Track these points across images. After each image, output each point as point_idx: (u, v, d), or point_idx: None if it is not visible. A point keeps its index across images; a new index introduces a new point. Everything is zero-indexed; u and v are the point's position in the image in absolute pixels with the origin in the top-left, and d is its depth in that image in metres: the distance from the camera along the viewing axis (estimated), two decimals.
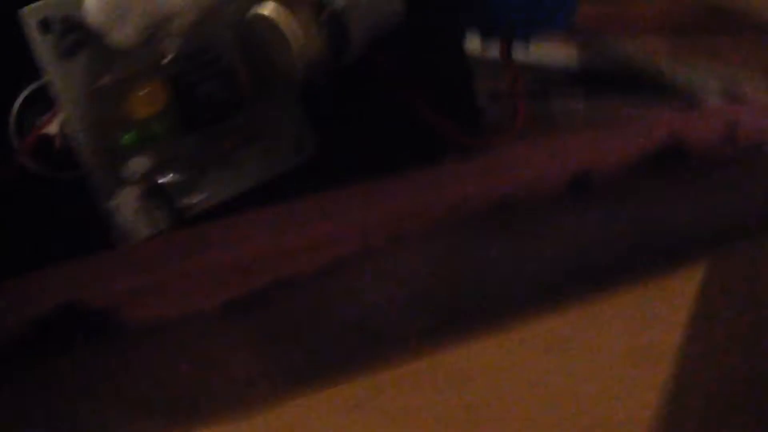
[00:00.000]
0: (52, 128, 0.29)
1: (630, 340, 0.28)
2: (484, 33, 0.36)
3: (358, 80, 0.33)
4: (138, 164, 0.30)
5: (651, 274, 0.30)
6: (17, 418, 0.26)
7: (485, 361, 0.28)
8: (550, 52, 0.42)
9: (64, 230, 0.30)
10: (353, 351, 0.28)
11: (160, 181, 0.30)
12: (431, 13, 0.34)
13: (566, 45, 0.42)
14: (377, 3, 0.32)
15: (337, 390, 0.27)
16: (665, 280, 0.30)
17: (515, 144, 0.34)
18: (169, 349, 0.28)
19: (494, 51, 0.35)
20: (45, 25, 0.29)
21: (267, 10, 0.30)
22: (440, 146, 0.34)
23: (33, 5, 0.29)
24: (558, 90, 0.40)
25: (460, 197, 0.32)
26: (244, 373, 0.27)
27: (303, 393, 0.27)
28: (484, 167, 0.34)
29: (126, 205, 0.30)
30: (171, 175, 0.30)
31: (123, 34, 0.30)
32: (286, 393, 0.27)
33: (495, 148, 0.34)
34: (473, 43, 0.36)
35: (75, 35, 0.29)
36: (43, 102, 0.29)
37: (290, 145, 0.33)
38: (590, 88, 0.41)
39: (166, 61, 0.30)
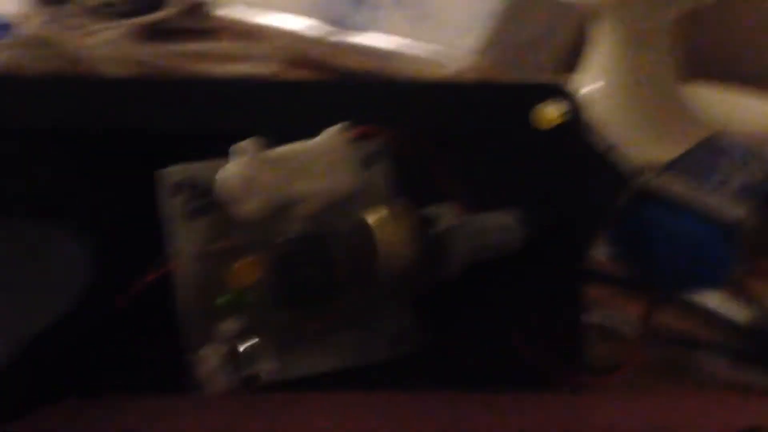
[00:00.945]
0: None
1: None
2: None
3: (464, 289, 0.35)
4: (227, 326, 0.33)
5: None
6: None
7: None
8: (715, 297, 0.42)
9: (149, 366, 0.33)
10: None
11: (243, 346, 0.33)
12: (556, 245, 0.35)
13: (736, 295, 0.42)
14: (491, 229, 0.34)
15: None
16: None
17: (612, 391, 0.35)
18: None
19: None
20: (178, 188, 0.33)
21: (371, 217, 0.33)
22: (532, 372, 0.35)
23: (171, 168, 0.33)
24: (707, 342, 0.40)
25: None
26: None
27: None
28: (566, 406, 0.34)
29: (207, 360, 0.33)
30: (256, 342, 0.33)
31: (247, 209, 0.33)
32: None
33: (589, 388, 0.35)
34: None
35: (201, 201, 0.33)
36: None
37: (386, 339, 0.35)
38: (748, 351, 0.40)
39: (279, 240, 0.33)
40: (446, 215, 0.33)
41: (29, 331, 0.31)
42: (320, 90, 0.36)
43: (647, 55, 0.50)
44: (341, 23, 0.69)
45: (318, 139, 0.34)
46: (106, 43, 0.66)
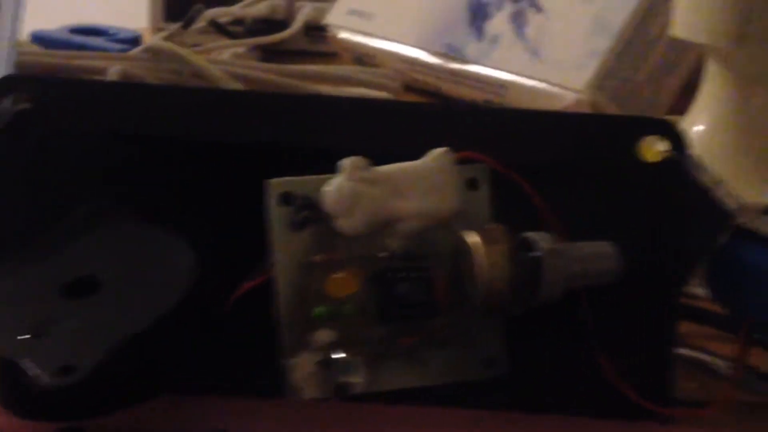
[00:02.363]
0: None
1: None
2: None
3: (559, 315, 0.35)
4: (321, 336, 0.34)
5: None
6: None
7: None
8: None
9: (244, 369, 0.35)
10: None
11: (336, 356, 0.34)
12: (652, 278, 0.35)
13: None
14: (588, 258, 0.34)
15: None
16: None
17: (702, 427, 0.35)
18: None
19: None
20: (286, 198, 0.34)
21: (470, 239, 0.33)
22: (622, 401, 0.35)
23: (280, 179, 0.34)
24: None
25: None
26: None
27: None
28: None
29: (300, 368, 0.34)
30: (349, 352, 0.34)
31: (351, 224, 0.34)
32: None
33: (678, 422, 0.35)
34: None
35: (308, 213, 0.34)
36: None
37: (478, 360, 0.35)
38: None
39: (381, 255, 0.34)
40: (544, 241, 0.34)
41: (134, 328, 0.32)
42: (427, 114, 0.37)
43: (758, 98, 0.50)
44: (458, 52, 0.70)
45: (422, 160, 0.34)
46: (227, 60, 0.68)
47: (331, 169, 0.34)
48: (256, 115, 0.36)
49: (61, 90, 0.37)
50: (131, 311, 0.33)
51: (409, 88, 0.73)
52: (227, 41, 0.79)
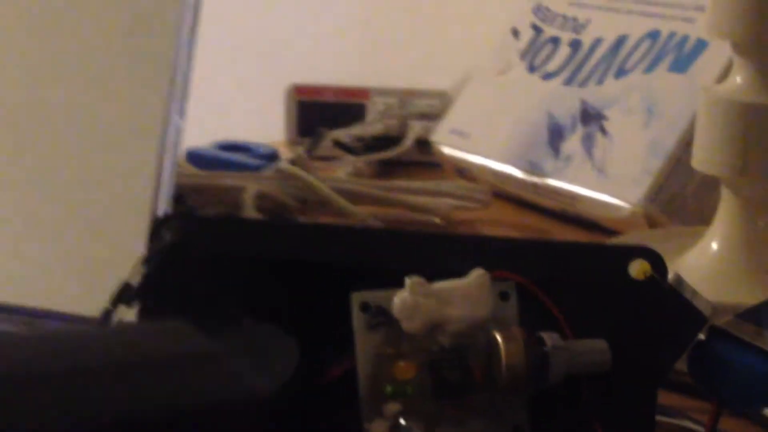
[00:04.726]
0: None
1: None
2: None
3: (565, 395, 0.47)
4: (391, 407, 0.46)
5: None
6: None
7: None
8: None
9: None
10: None
11: (402, 421, 0.46)
12: (635, 366, 0.47)
13: None
14: (585, 353, 0.46)
15: None
16: None
17: None
18: None
19: None
20: (365, 307, 0.47)
21: (500, 336, 0.46)
22: None
23: (361, 292, 0.47)
24: None
25: None
26: None
27: None
28: None
29: (376, 431, 0.46)
30: (411, 420, 0.46)
31: (412, 326, 0.47)
32: None
33: None
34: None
35: (381, 317, 0.47)
36: None
37: (508, 427, 0.48)
38: None
39: (434, 349, 0.47)
40: (552, 339, 0.46)
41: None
42: (469, 243, 0.50)
43: (761, 220, 0.61)
44: (539, 168, 0.83)
45: (466, 278, 0.47)
46: (342, 178, 0.82)
47: (400, 284, 0.47)
48: (344, 242, 0.50)
49: (202, 225, 0.51)
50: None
51: (497, 195, 0.85)
52: (350, 157, 0.93)
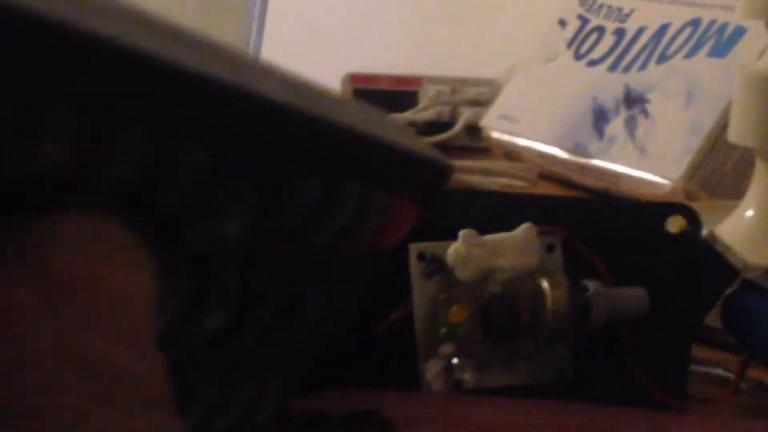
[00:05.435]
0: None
1: None
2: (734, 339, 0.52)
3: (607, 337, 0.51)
4: (445, 348, 0.51)
5: None
6: None
7: None
8: None
9: (396, 371, 0.52)
10: None
11: (454, 361, 0.50)
12: (671, 313, 0.51)
13: None
14: (625, 299, 0.50)
15: None
16: None
17: (708, 418, 0.50)
18: None
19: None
20: (421, 256, 0.51)
21: (545, 284, 0.50)
22: (650, 398, 0.51)
23: (417, 243, 0.51)
24: None
25: None
26: None
27: None
28: (673, 422, 0.50)
29: (431, 370, 0.51)
30: (463, 360, 0.51)
31: (464, 274, 0.51)
32: None
33: (690, 412, 0.50)
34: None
35: (436, 266, 0.51)
36: None
37: (553, 369, 0.52)
38: None
39: (486, 295, 0.51)
40: (594, 286, 0.50)
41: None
42: (521, 200, 0.54)
43: None
44: (583, 149, 0.87)
45: (515, 231, 0.51)
46: None
47: (454, 237, 0.51)
48: None
49: None
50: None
51: (544, 176, 0.90)
52: None
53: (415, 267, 0.51)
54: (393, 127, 0.40)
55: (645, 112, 0.83)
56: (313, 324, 0.39)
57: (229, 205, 0.28)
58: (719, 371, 0.54)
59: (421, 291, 0.51)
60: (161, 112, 0.24)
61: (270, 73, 0.29)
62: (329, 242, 0.35)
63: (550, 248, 0.52)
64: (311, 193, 0.32)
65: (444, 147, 1.01)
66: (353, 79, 1.08)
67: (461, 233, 0.51)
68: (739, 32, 0.82)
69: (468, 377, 0.51)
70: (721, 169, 0.78)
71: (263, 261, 0.32)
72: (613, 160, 0.83)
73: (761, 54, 0.70)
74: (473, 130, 1.01)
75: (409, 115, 1.01)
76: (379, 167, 0.37)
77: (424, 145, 0.42)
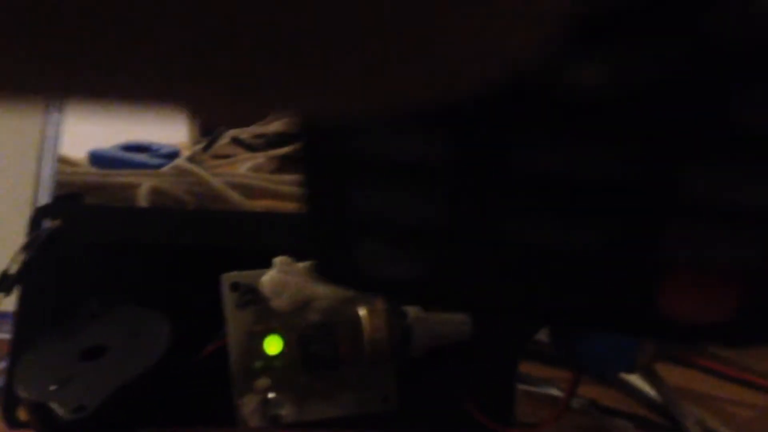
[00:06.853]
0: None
1: None
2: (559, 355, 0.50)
3: (431, 365, 0.49)
4: (261, 382, 0.48)
5: None
6: None
7: None
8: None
9: (209, 408, 0.49)
10: None
11: (270, 396, 0.48)
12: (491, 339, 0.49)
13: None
14: (445, 324, 0.49)
15: None
16: None
17: None
18: None
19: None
20: (235, 286, 0.49)
21: (362, 312, 0.48)
22: (477, 426, 0.49)
23: (231, 273, 0.49)
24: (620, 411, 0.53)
25: None
26: None
27: None
28: None
29: (247, 405, 0.48)
30: (282, 393, 0.48)
31: (281, 303, 0.48)
32: None
33: None
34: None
35: (249, 296, 0.49)
36: None
37: (377, 397, 0.49)
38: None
39: (303, 324, 0.49)
40: (414, 312, 0.48)
41: (128, 378, 0.47)
42: None
43: None
44: None
45: None
46: (241, 173, 0.83)
47: (268, 265, 0.48)
48: (216, 228, 0.51)
49: (82, 212, 0.52)
50: (126, 367, 0.47)
51: None
52: (248, 154, 0.94)
53: (228, 297, 0.49)
54: None
55: None
56: None
57: None
58: (552, 391, 0.52)
59: (235, 322, 0.49)
60: None
61: None
62: None
63: None
64: None
65: (295, 159, 0.99)
66: None
67: (276, 260, 0.48)
68: None
69: (285, 413, 0.48)
70: None
71: None
72: None
73: None
74: None
75: (254, 127, 0.99)
76: None
77: None
